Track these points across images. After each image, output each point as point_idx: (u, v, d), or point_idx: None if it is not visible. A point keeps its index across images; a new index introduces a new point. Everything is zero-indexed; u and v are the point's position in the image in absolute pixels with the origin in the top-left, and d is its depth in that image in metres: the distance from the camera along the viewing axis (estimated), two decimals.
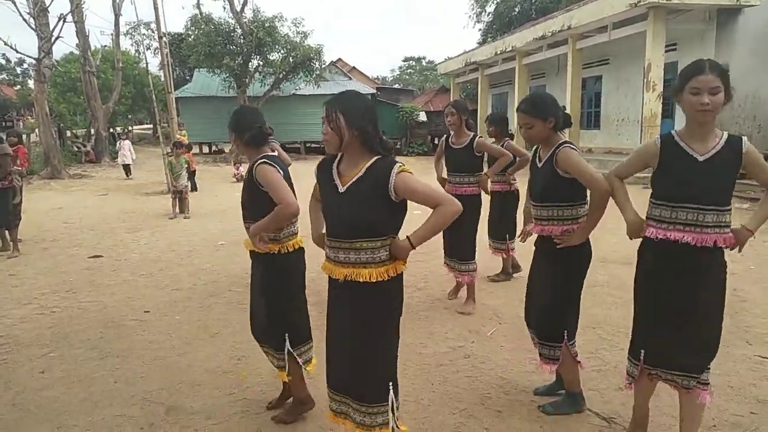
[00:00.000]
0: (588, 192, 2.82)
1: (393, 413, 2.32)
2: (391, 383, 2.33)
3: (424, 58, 56.43)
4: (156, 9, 15.39)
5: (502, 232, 5.65)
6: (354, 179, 2.22)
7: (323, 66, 25.99)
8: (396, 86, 47.44)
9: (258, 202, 2.77)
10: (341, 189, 2.24)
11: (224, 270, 6.40)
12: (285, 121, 26.74)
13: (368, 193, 2.18)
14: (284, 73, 25.05)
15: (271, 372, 3.66)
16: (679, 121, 15.22)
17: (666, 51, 14.17)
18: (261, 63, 24.90)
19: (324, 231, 2.40)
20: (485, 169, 4.78)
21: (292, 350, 2.93)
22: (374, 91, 29.42)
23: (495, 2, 32.13)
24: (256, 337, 3.14)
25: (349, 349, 2.32)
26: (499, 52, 21.86)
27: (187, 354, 4.05)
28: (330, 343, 2.41)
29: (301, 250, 2.98)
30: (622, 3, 14.20)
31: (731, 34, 14.15)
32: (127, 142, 18.70)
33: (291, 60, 24.52)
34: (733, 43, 14.17)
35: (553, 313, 2.96)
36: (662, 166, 2.44)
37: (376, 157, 2.23)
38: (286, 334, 2.93)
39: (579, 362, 3.04)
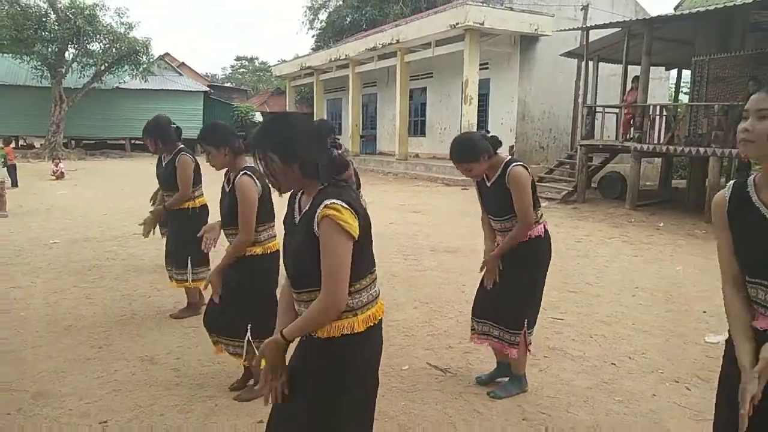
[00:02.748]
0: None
1: None
2: None
3: (257, 58, 55.86)
4: None
5: None
6: (302, 214, 1.85)
7: (151, 60, 24.77)
8: (228, 85, 46.37)
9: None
10: (296, 223, 1.89)
11: (64, 268, 6.17)
12: (109, 116, 25.12)
13: (303, 234, 1.80)
14: (106, 65, 23.43)
15: (139, 354, 3.88)
16: (493, 130, 17.26)
17: (480, 69, 16.06)
18: (79, 52, 22.99)
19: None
20: None
21: (252, 341, 3.15)
22: (207, 89, 28.68)
23: (328, 11, 33.11)
24: (209, 329, 3.34)
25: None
26: (333, 59, 22.74)
27: (43, 346, 4.02)
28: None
29: (277, 253, 3.20)
30: (443, 24, 15.81)
31: (531, 59, 16.48)
32: None
33: (114, 52, 23.02)
34: (533, 66, 16.52)
35: (517, 304, 3.24)
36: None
37: (323, 186, 1.82)
38: (249, 326, 3.16)
39: (529, 349, 3.35)
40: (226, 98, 31.74)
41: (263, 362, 1.83)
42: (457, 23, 15.11)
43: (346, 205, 1.74)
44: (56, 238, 7.70)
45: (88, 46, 22.91)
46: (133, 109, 25.63)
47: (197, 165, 4.53)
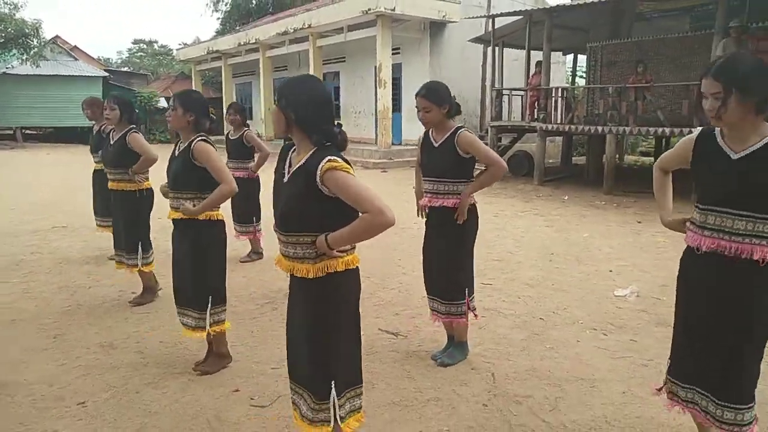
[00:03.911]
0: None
1: (335, 410, 2.22)
2: (333, 381, 2.22)
3: (156, 41, 53.12)
4: None
5: (249, 215, 6.05)
6: (294, 169, 2.14)
7: (43, 44, 23.12)
8: (125, 69, 43.92)
9: (189, 177, 3.23)
10: (286, 178, 2.19)
11: (6, 258, 5.93)
12: None
13: (300, 186, 2.09)
14: None
15: (97, 341, 3.93)
16: (406, 114, 17.85)
17: (393, 54, 16.45)
18: None
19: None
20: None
21: (212, 310, 3.34)
22: (105, 74, 27.15)
23: None
24: (178, 302, 3.45)
25: (296, 343, 2.30)
26: (242, 43, 22.32)
27: None
28: (286, 332, 2.36)
29: (222, 221, 3.39)
30: (355, 9, 16.02)
31: (441, 44, 17.10)
32: None
33: (0, 35, 21.29)
34: (442, 51, 17.15)
35: (454, 275, 3.44)
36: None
37: (315, 148, 2.11)
38: (210, 297, 3.32)
39: (475, 314, 3.59)
40: (125, 83, 30.16)
41: None
42: (369, 9, 15.38)
43: (341, 159, 2.09)
44: None
45: None
46: (25, 96, 23.89)
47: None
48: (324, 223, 2.10)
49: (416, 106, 3.40)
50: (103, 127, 5.88)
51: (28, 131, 25.51)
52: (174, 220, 3.38)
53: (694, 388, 2.29)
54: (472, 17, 14.93)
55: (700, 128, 2.27)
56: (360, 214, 2.06)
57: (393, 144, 17.02)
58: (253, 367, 3.56)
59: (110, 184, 4.58)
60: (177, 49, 30.66)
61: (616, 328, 4.23)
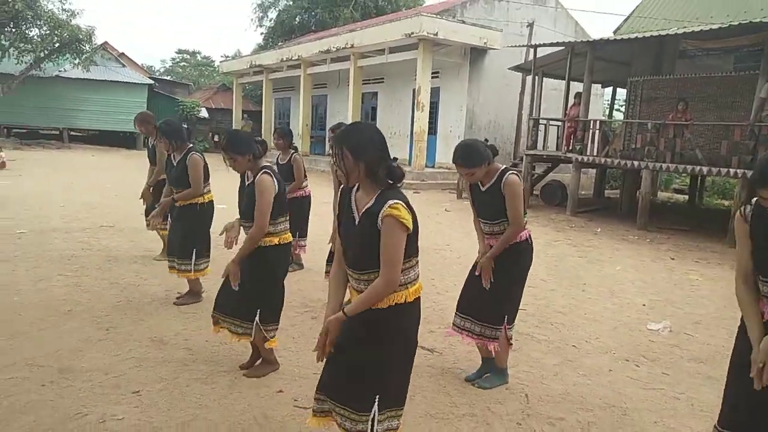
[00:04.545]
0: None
1: (372, 425, 2.32)
2: (378, 397, 2.32)
3: (199, 52, 54.73)
4: None
5: (294, 230, 6.37)
6: (363, 211, 2.26)
7: (94, 49, 24.06)
8: (168, 78, 45.25)
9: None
10: (356, 221, 2.29)
11: (40, 257, 6.23)
12: (46, 105, 24.20)
13: (368, 228, 2.21)
14: (46, 52, 22.61)
15: (148, 336, 4.14)
16: (442, 136, 18.06)
17: (432, 77, 16.72)
18: (17, 38, 22.05)
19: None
20: None
21: (261, 324, 3.50)
22: (150, 81, 28.05)
23: (277, 9, 33.12)
24: (222, 312, 3.60)
25: (342, 363, 2.37)
26: (285, 59, 22.87)
27: (50, 328, 4.21)
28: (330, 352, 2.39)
29: (289, 244, 3.65)
30: (398, 32, 16.37)
31: (480, 70, 17.33)
32: None
33: (55, 39, 22.25)
34: (481, 77, 17.38)
35: (500, 301, 3.53)
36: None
37: (382, 189, 2.24)
38: (258, 310, 3.48)
39: (511, 344, 3.67)
40: (168, 92, 31.06)
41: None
42: (412, 33, 15.71)
43: (404, 205, 2.20)
44: (21, 229, 7.65)
45: (26, 31, 22.02)
46: (73, 99, 24.82)
47: (206, 163, 4.82)
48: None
49: (459, 173, 3.52)
50: (156, 141, 6.19)
51: (73, 133, 26.41)
52: None
53: None
54: (514, 46, 15.13)
55: (750, 205, 2.27)
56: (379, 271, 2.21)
57: (426, 166, 17.22)
58: (296, 371, 3.72)
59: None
60: (220, 62, 31.60)
61: (648, 361, 4.28)
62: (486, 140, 3.56)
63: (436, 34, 15.65)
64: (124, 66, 27.95)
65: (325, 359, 2.41)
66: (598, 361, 4.20)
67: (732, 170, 9.36)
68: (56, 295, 4.99)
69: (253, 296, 3.53)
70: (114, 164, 18.89)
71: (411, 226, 2.22)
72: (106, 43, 34.76)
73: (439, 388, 3.60)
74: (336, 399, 2.39)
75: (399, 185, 2.30)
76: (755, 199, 2.19)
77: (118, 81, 25.82)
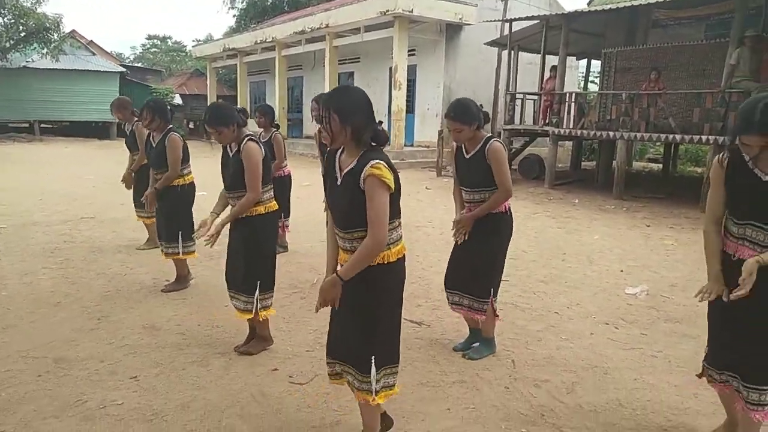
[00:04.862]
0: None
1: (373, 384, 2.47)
2: (374, 358, 2.46)
3: (170, 38, 53.65)
4: None
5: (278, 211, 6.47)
6: (346, 170, 2.34)
7: (62, 38, 23.49)
8: (139, 65, 44.37)
9: (242, 178, 3.49)
10: (339, 180, 2.38)
11: (23, 251, 6.21)
12: (15, 98, 23.61)
13: (351, 187, 2.29)
14: (11, 42, 22.03)
15: (140, 323, 4.20)
16: (419, 114, 18.09)
17: (408, 55, 16.68)
18: None
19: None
20: None
21: (259, 296, 3.59)
22: (122, 69, 27.51)
23: None
24: (229, 286, 3.70)
25: (342, 325, 2.53)
26: (259, 41, 22.59)
27: (40, 320, 4.24)
28: (331, 316, 2.59)
29: (276, 212, 3.69)
30: (373, 10, 16.26)
31: (456, 47, 17.32)
32: None
33: (21, 28, 21.69)
34: (457, 53, 17.37)
35: (485, 275, 3.60)
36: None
37: (365, 150, 2.32)
38: (258, 282, 3.57)
39: (497, 315, 3.75)
40: (140, 79, 30.49)
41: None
42: (387, 10, 15.62)
43: (385, 164, 2.28)
44: (0, 224, 7.58)
45: None
46: (42, 90, 24.19)
47: (185, 144, 4.84)
48: None
49: (447, 127, 3.54)
50: (134, 126, 6.17)
51: (43, 125, 25.86)
52: None
53: (725, 373, 2.59)
54: (489, 21, 15.14)
55: (725, 154, 2.45)
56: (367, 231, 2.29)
57: (405, 145, 17.26)
58: (289, 349, 3.82)
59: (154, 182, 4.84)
60: (193, 46, 31.03)
61: (627, 323, 4.46)
62: (480, 105, 3.55)
63: (411, 11, 15.58)
64: (94, 54, 27.33)
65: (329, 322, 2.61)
66: (580, 326, 4.37)
67: (704, 137, 9.57)
68: (44, 288, 5.00)
69: (251, 270, 3.60)
70: (89, 155, 18.62)
71: (393, 186, 2.29)
72: (74, 31, 33.87)
73: (429, 357, 3.73)
74: (341, 359, 2.56)
75: (382, 148, 2.38)
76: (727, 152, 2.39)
77: (88, 70, 25.26)
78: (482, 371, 3.55)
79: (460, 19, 16.52)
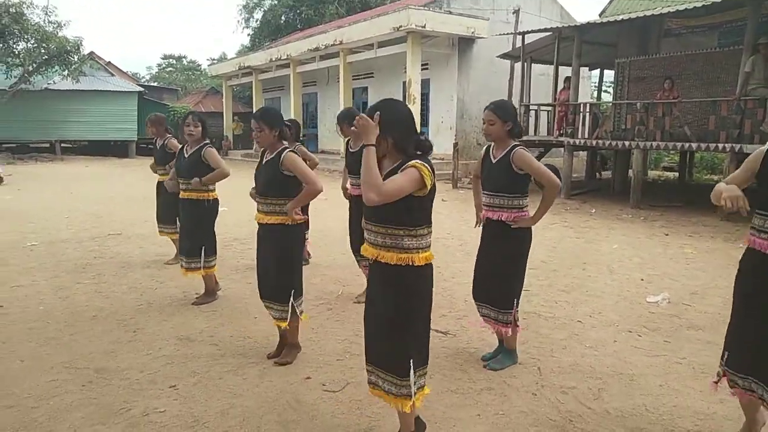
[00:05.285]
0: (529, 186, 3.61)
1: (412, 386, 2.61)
2: (411, 360, 2.59)
3: (185, 57, 54.58)
4: None
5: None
6: (386, 172, 2.49)
7: (82, 60, 24.06)
8: (155, 84, 45.16)
9: (278, 184, 3.64)
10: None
11: (56, 267, 6.40)
12: (37, 118, 24.22)
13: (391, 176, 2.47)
14: (35, 65, 22.62)
15: (175, 335, 4.34)
16: (433, 127, 18.24)
17: (421, 69, 16.89)
18: (4, 52, 22.02)
19: None
20: None
21: (294, 303, 3.73)
22: (140, 89, 28.07)
23: (263, 10, 33.16)
24: (263, 296, 3.85)
25: (376, 330, 2.67)
26: (273, 59, 22.97)
27: (79, 333, 4.39)
28: (365, 322, 2.73)
29: (302, 225, 3.82)
30: (386, 26, 16.52)
31: (469, 60, 17.51)
32: None
33: (43, 51, 22.27)
34: (470, 66, 17.56)
35: (507, 285, 3.66)
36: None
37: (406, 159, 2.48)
38: (292, 291, 3.72)
39: (518, 325, 3.79)
40: (157, 98, 31.10)
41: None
42: (400, 26, 15.86)
43: (428, 166, 2.46)
44: (31, 241, 7.81)
45: (13, 45, 22.02)
46: (63, 110, 24.78)
47: None
48: (412, 219, 2.53)
49: (482, 119, 3.67)
50: (165, 142, 6.37)
51: (63, 144, 26.39)
52: (260, 223, 3.79)
53: (749, 378, 2.59)
54: (502, 34, 15.31)
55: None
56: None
57: None
58: (320, 358, 3.93)
59: (182, 194, 4.99)
60: (208, 65, 31.57)
61: (649, 331, 4.51)
62: (520, 117, 3.72)
63: (424, 26, 15.82)
64: (112, 75, 27.95)
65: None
66: (603, 334, 4.43)
67: (720, 145, 9.60)
68: (79, 302, 5.17)
69: (283, 278, 3.74)
70: (109, 174, 18.99)
71: (429, 183, 2.44)
72: (92, 53, 34.72)
73: (456, 366, 3.82)
74: (379, 366, 2.66)
75: (428, 155, 2.53)
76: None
77: (108, 90, 25.83)
78: (509, 378, 3.63)
79: (472, 32, 16.73)
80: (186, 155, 4.94)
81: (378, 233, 2.56)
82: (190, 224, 5.07)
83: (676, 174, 17.49)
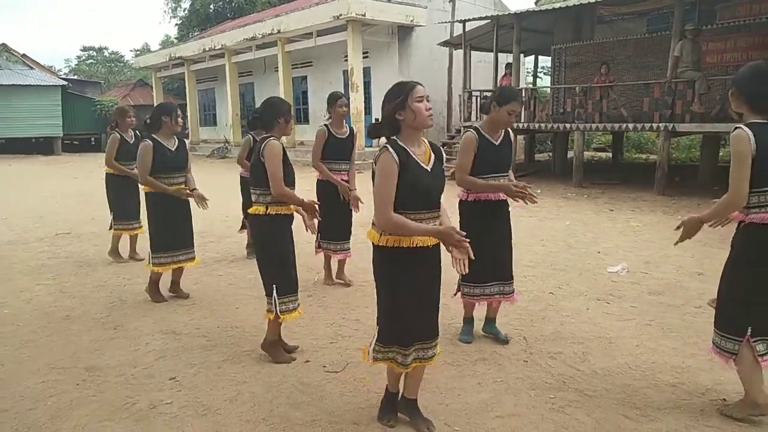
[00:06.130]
0: None
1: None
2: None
3: (106, 48, 51.89)
4: None
5: None
6: (432, 158, 2.67)
7: None
8: (75, 77, 42.78)
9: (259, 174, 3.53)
10: (429, 168, 2.63)
11: (9, 270, 6.09)
12: None
13: (441, 169, 2.72)
14: None
15: (159, 329, 4.28)
16: (376, 115, 18.28)
17: (362, 58, 16.92)
18: None
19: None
20: None
21: (277, 299, 3.57)
22: (64, 83, 26.61)
23: None
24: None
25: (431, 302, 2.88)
26: (207, 49, 22.36)
27: (55, 334, 4.23)
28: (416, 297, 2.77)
29: (280, 216, 3.58)
30: (326, 15, 16.43)
31: (408, 47, 17.69)
32: None
33: None
34: (410, 54, 17.75)
35: (511, 258, 3.93)
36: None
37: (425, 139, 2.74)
38: (274, 285, 3.59)
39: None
40: (79, 92, 29.58)
41: None
42: (340, 14, 15.82)
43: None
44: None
45: None
46: None
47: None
48: None
49: (510, 111, 3.55)
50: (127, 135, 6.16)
51: None
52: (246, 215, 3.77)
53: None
54: (442, 22, 15.56)
55: (749, 129, 2.61)
56: None
57: (365, 146, 17.48)
58: (314, 342, 3.98)
59: (173, 188, 4.69)
60: (135, 56, 30.27)
61: (616, 298, 4.84)
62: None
63: (364, 15, 15.85)
64: (32, 68, 26.35)
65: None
66: (576, 304, 4.71)
67: (655, 124, 10.23)
68: (45, 303, 4.97)
69: (261, 272, 3.67)
70: (37, 172, 18.01)
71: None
72: (5, 44, 32.54)
73: (447, 341, 3.96)
74: (425, 338, 2.82)
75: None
76: (751, 120, 2.62)
77: (28, 85, 24.34)
78: (499, 349, 3.83)
79: (411, 21, 16.91)
80: (172, 149, 4.75)
81: (432, 219, 2.69)
82: (186, 214, 4.92)
83: (609, 154, 18.42)
